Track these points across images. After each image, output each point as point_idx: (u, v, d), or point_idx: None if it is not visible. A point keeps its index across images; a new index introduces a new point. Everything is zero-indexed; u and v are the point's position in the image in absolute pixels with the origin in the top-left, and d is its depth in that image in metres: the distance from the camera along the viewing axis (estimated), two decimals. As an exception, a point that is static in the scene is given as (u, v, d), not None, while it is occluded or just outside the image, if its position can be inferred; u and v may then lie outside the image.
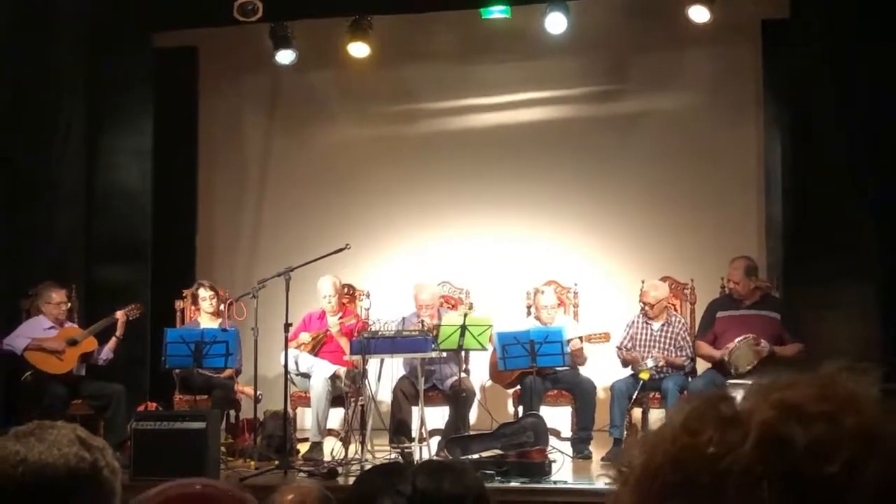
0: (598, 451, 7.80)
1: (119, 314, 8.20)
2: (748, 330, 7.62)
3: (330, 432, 8.19)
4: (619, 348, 8.11)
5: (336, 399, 8.03)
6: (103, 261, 9.08)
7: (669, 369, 7.88)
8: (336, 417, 8.31)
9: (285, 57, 9.30)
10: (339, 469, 7.11)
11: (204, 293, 8.51)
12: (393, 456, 7.55)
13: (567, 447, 7.85)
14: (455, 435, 7.54)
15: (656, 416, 7.86)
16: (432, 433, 7.88)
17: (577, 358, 8.00)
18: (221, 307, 8.48)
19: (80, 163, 8.87)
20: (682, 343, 7.98)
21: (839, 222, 7.88)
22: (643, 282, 8.28)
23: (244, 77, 10.44)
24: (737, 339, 7.49)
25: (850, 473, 0.84)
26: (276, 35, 9.21)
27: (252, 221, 10.38)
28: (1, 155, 8.14)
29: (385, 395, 8.14)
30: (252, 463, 7.44)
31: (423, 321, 8.03)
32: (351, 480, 6.50)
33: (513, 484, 6.61)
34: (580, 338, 7.99)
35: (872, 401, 0.92)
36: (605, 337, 7.97)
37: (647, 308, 8.09)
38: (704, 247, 9.19)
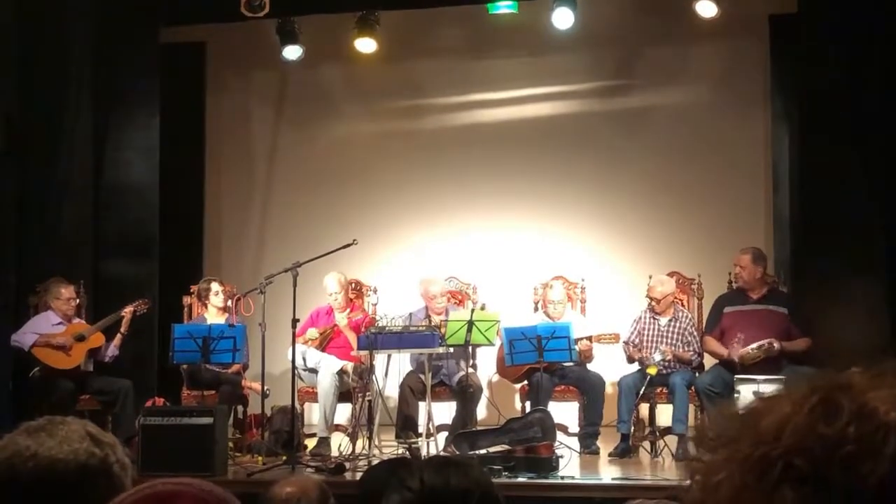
0: (605, 447, 7.81)
1: (126, 310, 8.22)
2: (756, 325, 7.60)
3: (337, 427, 8.21)
4: (626, 343, 8.10)
5: (343, 394, 8.05)
6: (111, 256, 9.09)
7: (677, 364, 7.88)
8: (343, 413, 8.32)
9: (292, 52, 9.31)
10: (347, 464, 7.11)
11: (216, 287, 8.52)
12: (400, 451, 7.56)
13: (574, 442, 7.86)
14: (462, 430, 7.55)
15: (664, 411, 7.86)
16: (439, 428, 7.89)
17: (586, 357, 8.01)
18: (229, 303, 8.49)
19: (87, 158, 8.89)
20: (689, 338, 7.98)
21: (847, 216, 7.87)
22: (650, 277, 8.28)
23: (251, 73, 10.46)
24: (755, 345, 7.44)
25: None
26: (283, 31, 9.23)
27: (259, 217, 10.39)
28: (9, 151, 8.15)
29: (392, 391, 8.14)
30: (260, 458, 7.45)
31: (430, 317, 8.04)
32: (358, 475, 6.54)
33: (520, 479, 6.61)
34: (588, 338, 7.98)
35: None
36: (615, 338, 7.96)
37: (653, 303, 8.08)
38: (712, 242, 9.18)
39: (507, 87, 10.04)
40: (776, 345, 7.42)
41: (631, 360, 8.06)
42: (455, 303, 8.55)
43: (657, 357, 7.74)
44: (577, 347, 7.75)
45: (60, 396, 7.64)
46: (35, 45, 8.28)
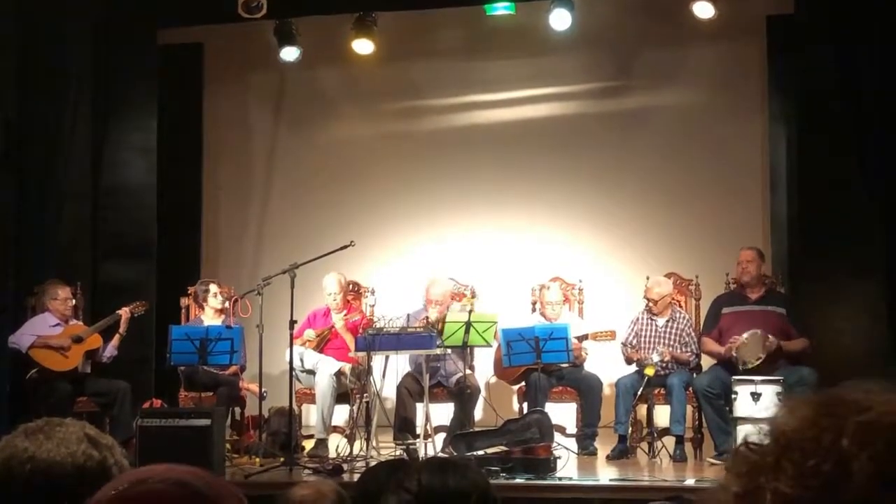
0: (603, 448, 7.81)
1: (123, 311, 8.21)
2: (754, 325, 7.61)
3: (335, 429, 8.21)
4: (624, 345, 8.11)
5: (341, 396, 8.04)
6: (109, 258, 9.09)
7: (674, 365, 7.88)
8: (341, 414, 8.32)
9: (290, 54, 9.32)
10: (345, 466, 7.11)
11: (214, 289, 8.51)
12: (398, 453, 7.55)
13: (572, 443, 7.86)
14: (460, 431, 7.54)
15: (661, 411, 7.86)
16: (437, 430, 7.89)
17: (576, 357, 8.00)
18: (226, 304, 8.49)
19: (85, 160, 8.89)
20: (686, 339, 7.98)
21: (844, 217, 7.88)
22: (648, 278, 8.28)
23: (249, 74, 10.46)
24: (745, 334, 7.46)
25: None
26: (280, 32, 9.23)
27: (257, 218, 10.39)
28: (7, 152, 8.15)
29: (390, 392, 8.14)
30: (257, 460, 7.45)
31: (427, 317, 8.03)
32: (356, 477, 6.52)
33: (518, 480, 6.61)
34: (584, 336, 8.00)
35: None
36: (611, 335, 7.97)
37: (651, 304, 8.08)
38: (709, 243, 9.19)
39: (505, 88, 10.04)
40: (771, 338, 7.41)
41: (629, 361, 8.06)
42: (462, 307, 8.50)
43: (655, 358, 7.74)
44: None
45: (58, 398, 7.63)
46: (33, 46, 8.28)
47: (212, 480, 1.32)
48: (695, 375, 7.83)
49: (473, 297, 8.43)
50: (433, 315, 8.00)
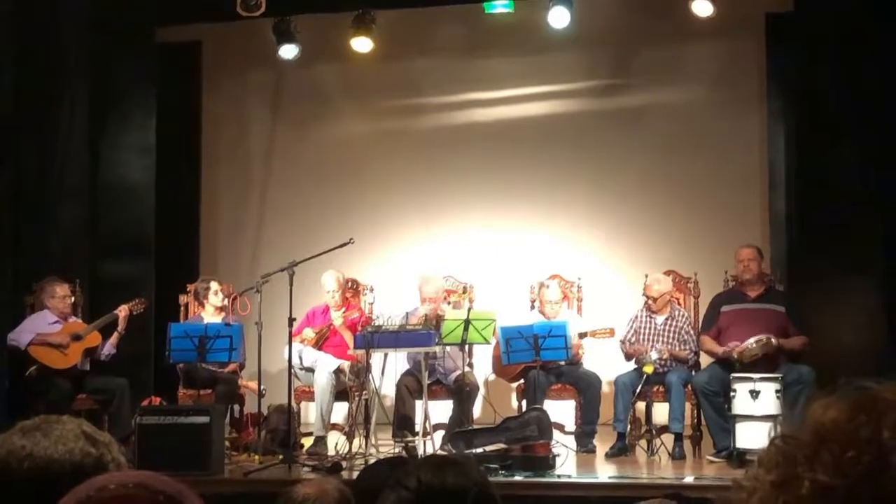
0: (601, 445, 7.81)
1: (122, 309, 8.21)
2: (754, 323, 7.60)
3: (334, 427, 8.21)
4: (623, 342, 8.10)
5: (340, 393, 8.05)
6: (107, 256, 9.09)
7: (673, 363, 7.88)
8: (340, 412, 8.32)
9: (288, 52, 9.31)
10: (343, 463, 7.11)
11: (215, 286, 8.51)
12: (397, 450, 7.56)
13: (571, 441, 7.86)
14: (459, 429, 7.55)
15: (660, 409, 7.86)
16: (436, 427, 7.89)
17: (574, 355, 8.00)
18: (225, 302, 8.49)
19: (83, 158, 8.87)
20: (685, 337, 7.98)
21: (843, 215, 7.88)
22: (647, 275, 8.28)
23: (248, 72, 10.45)
24: (753, 340, 7.43)
25: None
26: (279, 30, 9.22)
27: (255, 216, 10.38)
28: (5, 151, 8.13)
29: (389, 390, 8.14)
30: (256, 457, 7.45)
31: (426, 314, 8.03)
32: (355, 475, 6.52)
33: (517, 478, 6.61)
34: (583, 334, 7.99)
35: None
36: (610, 332, 7.97)
37: (650, 302, 8.08)
38: (708, 240, 9.19)
39: (504, 86, 10.04)
40: (774, 340, 7.42)
41: (628, 357, 8.06)
42: (452, 305, 8.51)
43: (654, 356, 7.74)
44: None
45: (57, 395, 7.62)
46: (31, 44, 8.26)
47: (174, 483, 1.34)
48: (693, 373, 7.83)
49: (465, 293, 8.44)
50: (427, 312, 8.00)
